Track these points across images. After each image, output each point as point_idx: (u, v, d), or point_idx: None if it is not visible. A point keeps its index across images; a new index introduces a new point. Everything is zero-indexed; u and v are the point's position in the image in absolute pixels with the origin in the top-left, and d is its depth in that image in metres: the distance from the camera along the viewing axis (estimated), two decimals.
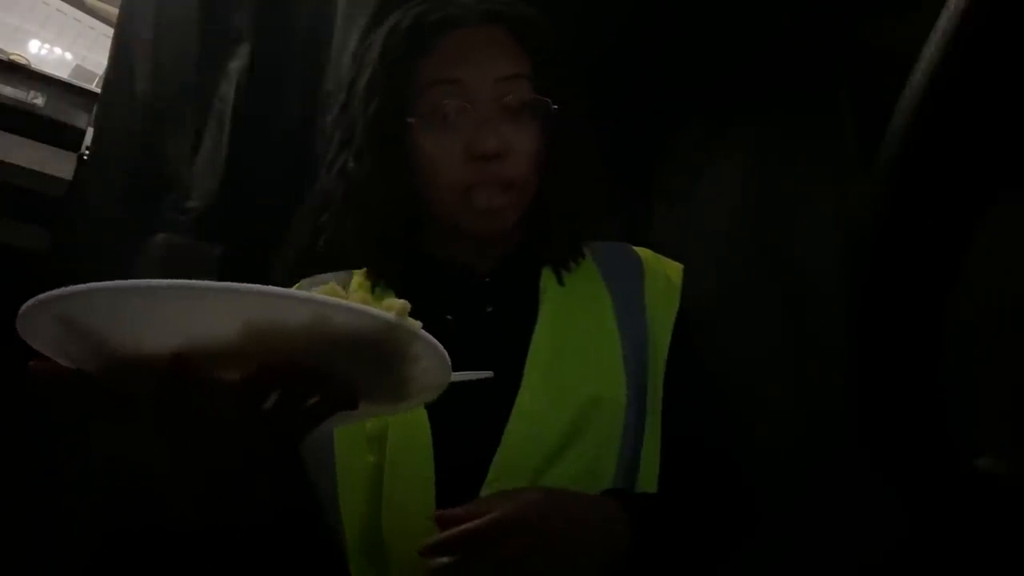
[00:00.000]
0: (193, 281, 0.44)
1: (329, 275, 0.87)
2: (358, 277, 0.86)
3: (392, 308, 0.50)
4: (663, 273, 0.87)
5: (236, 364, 0.48)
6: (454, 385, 0.77)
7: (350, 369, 0.52)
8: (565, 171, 0.82)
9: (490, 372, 0.65)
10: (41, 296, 0.45)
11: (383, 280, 0.84)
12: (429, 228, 0.85)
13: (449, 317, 0.80)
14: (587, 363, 0.78)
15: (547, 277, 0.84)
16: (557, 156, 0.81)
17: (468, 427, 0.72)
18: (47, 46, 1.49)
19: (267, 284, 0.46)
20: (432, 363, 0.55)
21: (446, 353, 0.55)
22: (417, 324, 0.51)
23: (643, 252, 0.90)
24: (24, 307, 0.46)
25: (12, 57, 1.31)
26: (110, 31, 1.35)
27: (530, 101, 0.79)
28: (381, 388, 0.56)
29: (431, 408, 0.72)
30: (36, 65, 1.33)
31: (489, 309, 0.82)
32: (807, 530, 0.90)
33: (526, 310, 0.81)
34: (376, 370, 0.53)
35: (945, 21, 0.35)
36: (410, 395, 0.58)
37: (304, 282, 0.86)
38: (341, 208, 0.84)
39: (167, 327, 0.46)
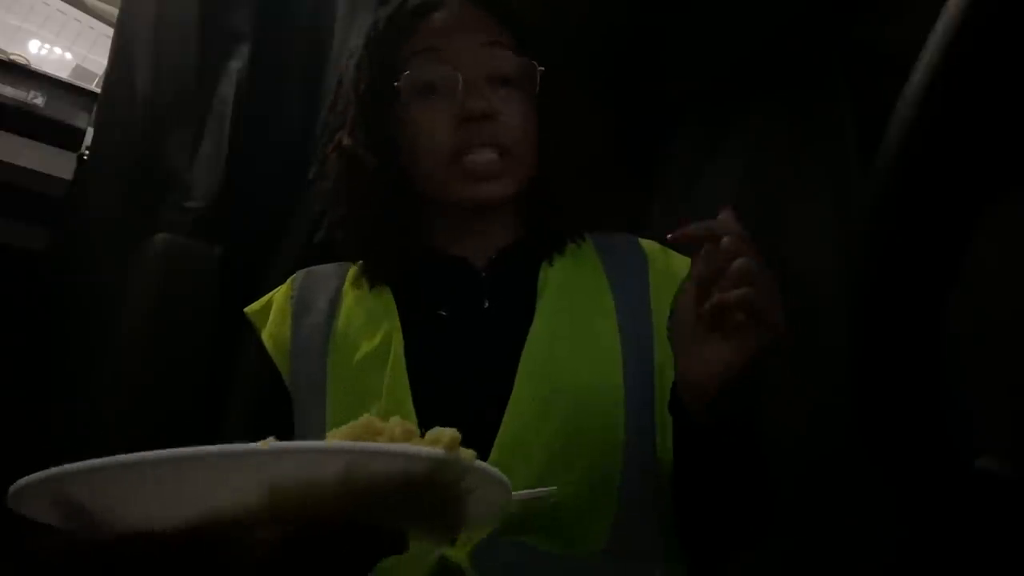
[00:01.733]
0: (210, 448, 0.39)
1: (328, 266, 0.87)
2: (355, 269, 0.86)
3: (440, 440, 0.44)
4: (670, 267, 0.86)
5: (263, 524, 0.43)
6: (447, 385, 0.76)
7: (396, 510, 0.45)
8: (558, 145, 0.83)
9: (553, 488, 0.60)
10: (33, 477, 0.41)
11: (380, 274, 0.83)
12: (425, 220, 0.85)
13: (443, 313, 0.80)
14: (584, 363, 0.77)
15: (545, 271, 0.83)
16: (549, 131, 0.82)
17: (461, 427, 0.72)
18: (47, 46, 1.49)
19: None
20: (488, 491, 0.48)
21: (505, 477, 0.49)
22: (471, 454, 0.45)
23: (649, 245, 0.88)
24: (16, 487, 0.42)
25: (12, 57, 1.30)
26: (110, 31, 1.35)
27: (515, 64, 0.80)
28: (431, 522, 0.49)
29: (420, 407, 0.72)
30: (36, 65, 1.32)
31: (486, 304, 0.81)
32: (807, 529, 0.90)
33: (524, 306, 0.80)
34: (425, 507, 0.47)
35: (945, 21, 0.35)
36: (464, 524, 0.51)
37: (300, 273, 0.86)
38: (338, 192, 0.84)
39: (180, 497, 0.41)
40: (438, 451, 0.43)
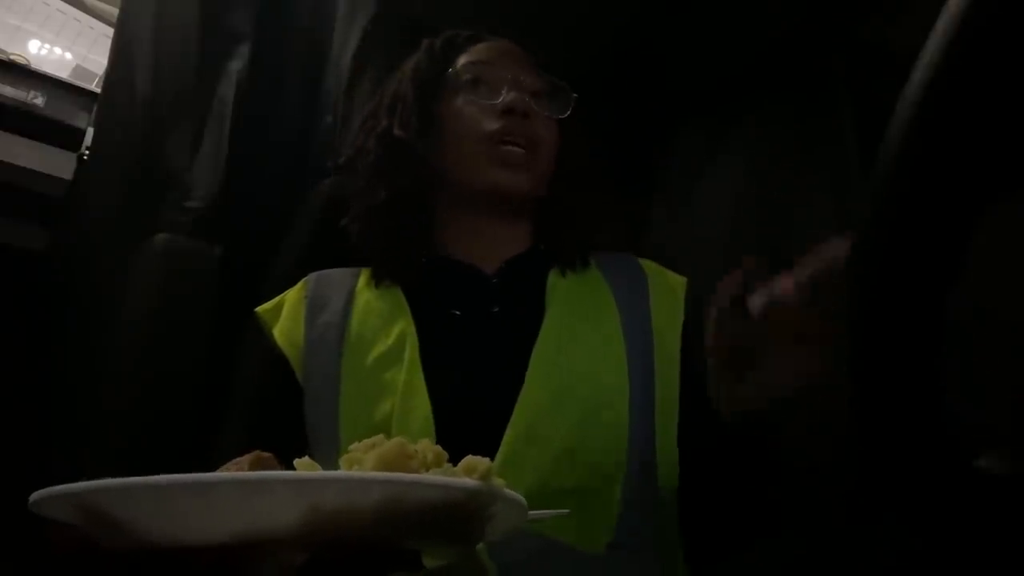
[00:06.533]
0: (253, 474, 0.41)
1: (339, 270, 0.88)
2: (368, 272, 0.87)
3: (475, 470, 0.46)
4: (667, 285, 0.90)
5: (292, 545, 0.44)
6: (460, 383, 0.77)
7: (420, 533, 0.46)
8: (575, 165, 0.90)
9: (567, 511, 0.61)
10: (65, 488, 0.40)
11: (393, 271, 0.86)
12: (443, 227, 0.88)
13: (456, 312, 0.82)
14: (591, 364, 0.79)
15: (554, 279, 0.86)
16: (569, 150, 0.90)
17: (473, 425, 0.73)
18: (47, 46, 1.49)
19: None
20: (509, 513, 0.49)
21: (524, 500, 0.50)
22: (502, 483, 0.47)
23: (647, 264, 0.92)
24: (40, 495, 0.41)
25: (12, 57, 1.31)
26: (110, 31, 1.35)
27: (550, 86, 0.90)
28: (451, 542, 0.51)
29: (436, 405, 0.73)
30: (36, 65, 1.32)
31: (495, 309, 0.84)
32: (805, 530, 0.90)
33: (532, 311, 0.83)
34: (449, 529, 0.48)
35: (945, 21, 0.35)
36: (479, 542, 0.53)
37: (312, 276, 0.88)
38: (380, 178, 0.88)
39: (217, 519, 0.41)
40: (474, 482, 0.45)
